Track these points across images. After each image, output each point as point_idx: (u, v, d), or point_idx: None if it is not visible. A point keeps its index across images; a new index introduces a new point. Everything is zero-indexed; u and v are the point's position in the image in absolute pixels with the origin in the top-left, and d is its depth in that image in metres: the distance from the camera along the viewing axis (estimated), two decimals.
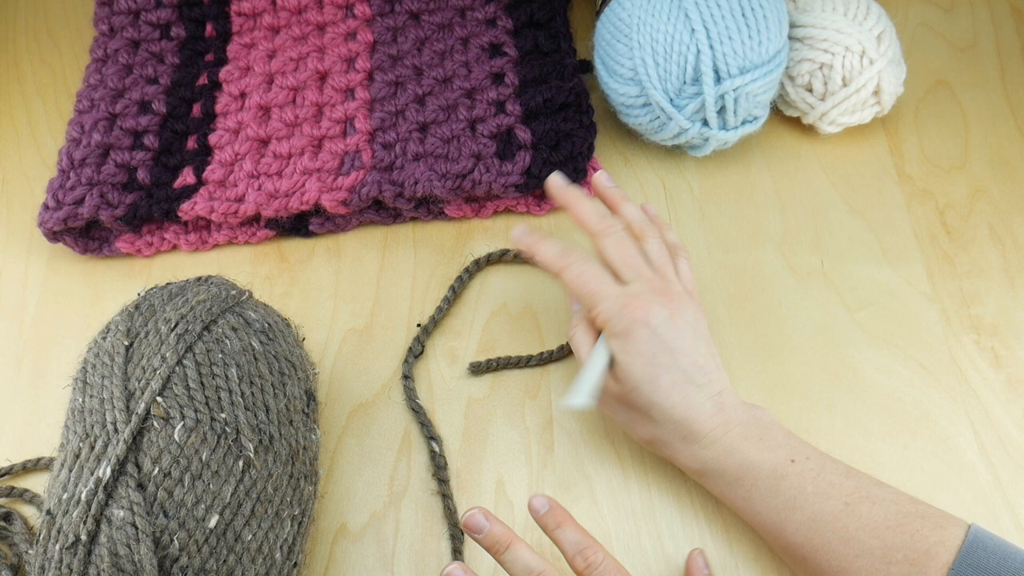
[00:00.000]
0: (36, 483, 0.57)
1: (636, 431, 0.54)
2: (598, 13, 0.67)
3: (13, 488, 0.56)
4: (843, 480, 0.49)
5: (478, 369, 0.60)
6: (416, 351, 0.61)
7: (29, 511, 0.56)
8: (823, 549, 0.48)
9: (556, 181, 0.58)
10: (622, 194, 0.58)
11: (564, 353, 0.60)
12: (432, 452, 0.57)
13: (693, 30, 0.60)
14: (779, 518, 0.50)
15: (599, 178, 0.59)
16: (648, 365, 0.51)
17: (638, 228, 0.56)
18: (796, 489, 0.49)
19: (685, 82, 0.61)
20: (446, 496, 0.55)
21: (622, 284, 0.54)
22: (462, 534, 0.54)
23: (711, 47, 0.60)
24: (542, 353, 0.60)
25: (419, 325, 0.62)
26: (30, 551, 0.52)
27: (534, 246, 0.56)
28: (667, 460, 0.55)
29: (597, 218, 0.56)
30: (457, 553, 0.54)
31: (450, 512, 0.55)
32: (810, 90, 0.66)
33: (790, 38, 0.65)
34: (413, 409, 0.59)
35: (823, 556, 0.48)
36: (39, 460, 0.57)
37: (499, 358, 0.60)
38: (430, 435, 0.57)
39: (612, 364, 0.53)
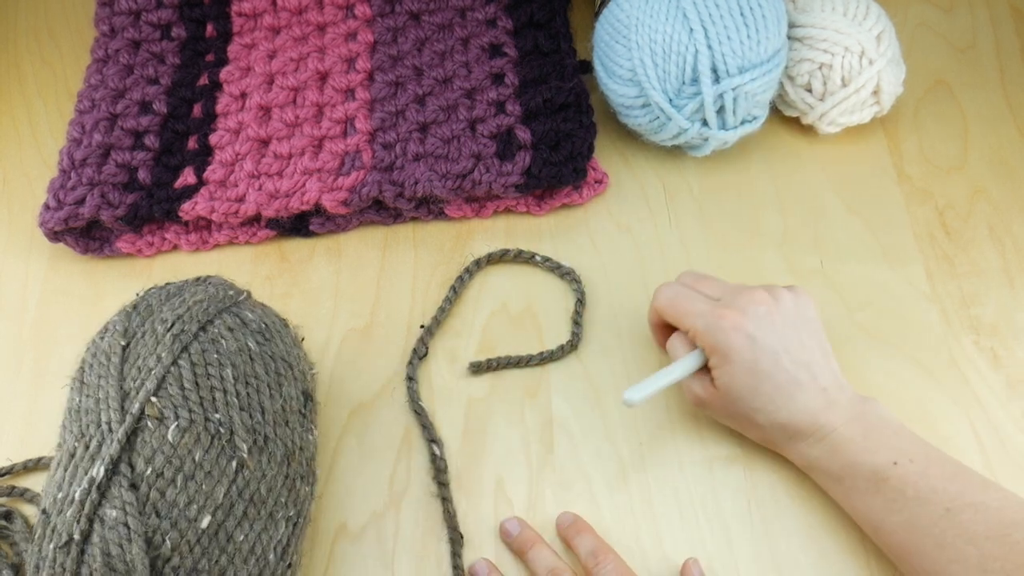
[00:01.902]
0: (36, 482, 0.57)
1: (742, 430, 0.55)
2: (597, 14, 0.67)
3: (14, 487, 0.57)
4: (946, 485, 0.48)
5: (478, 369, 0.60)
6: (421, 352, 0.61)
7: (30, 510, 0.56)
8: (918, 552, 0.48)
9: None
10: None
11: (564, 353, 0.60)
12: (433, 455, 0.57)
13: (691, 30, 0.60)
14: (877, 518, 0.50)
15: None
16: (748, 375, 0.51)
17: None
18: (896, 492, 0.48)
19: (684, 82, 0.61)
20: (446, 499, 0.55)
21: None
22: (461, 538, 0.54)
23: (709, 47, 0.60)
24: (542, 353, 0.60)
25: (422, 326, 0.62)
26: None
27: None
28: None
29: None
30: (456, 556, 0.54)
31: (450, 516, 0.55)
32: (809, 90, 0.66)
33: (789, 38, 0.65)
34: (416, 411, 0.59)
35: (918, 559, 0.48)
36: (39, 459, 0.57)
37: (499, 358, 0.60)
38: (431, 438, 0.57)
39: (711, 378, 0.53)
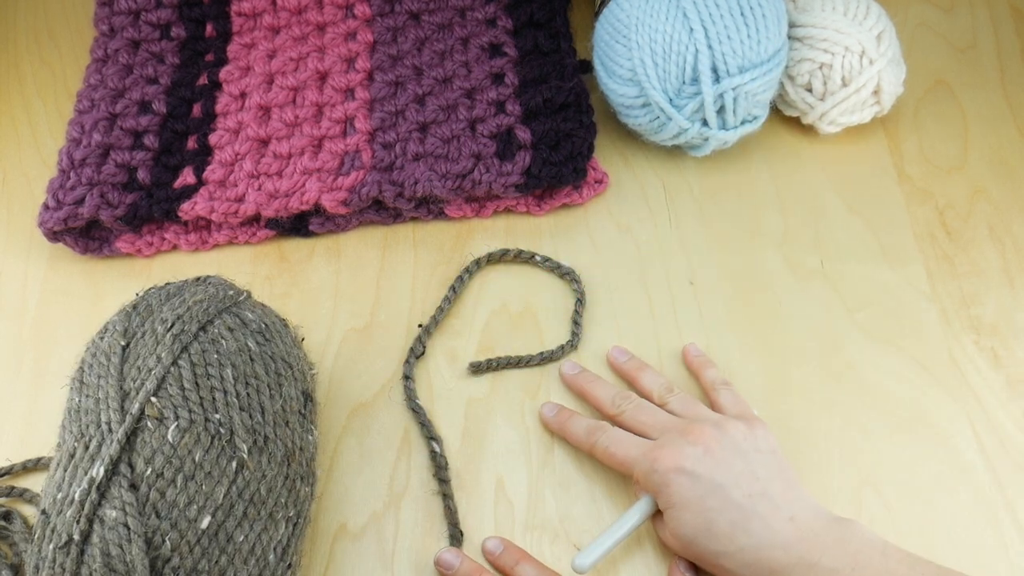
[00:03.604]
0: (36, 483, 0.57)
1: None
2: (597, 14, 0.67)
3: (13, 488, 0.57)
4: None
5: (478, 369, 0.60)
6: (418, 352, 0.60)
7: (29, 511, 0.56)
8: None
9: (567, 370, 0.58)
10: (638, 363, 0.58)
11: (564, 353, 0.60)
12: (432, 452, 0.57)
13: (691, 30, 0.60)
14: None
15: (613, 354, 0.59)
16: (697, 515, 0.48)
17: (657, 396, 0.55)
18: None
19: (684, 82, 0.61)
20: (447, 496, 0.55)
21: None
22: (461, 535, 0.54)
23: (709, 47, 0.60)
24: (542, 353, 0.60)
25: (420, 325, 0.62)
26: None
27: (562, 428, 0.56)
28: None
29: (609, 402, 0.55)
30: None
31: (450, 512, 0.55)
32: (810, 90, 0.66)
33: (790, 38, 0.65)
34: (413, 410, 0.59)
35: None
36: (39, 460, 0.57)
37: (499, 358, 0.60)
38: (430, 435, 0.57)
39: (664, 525, 0.50)
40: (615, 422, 0.55)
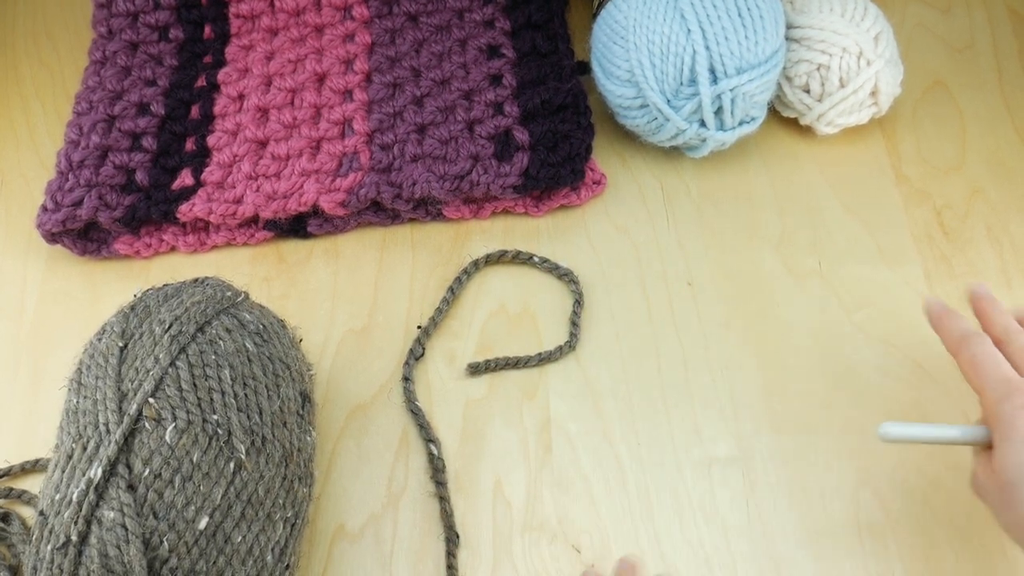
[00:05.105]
0: (34, 484, 0.57)
1: (1018, 537, 0.47)
2: (595, 15, 0.67)
3: (11, 489, 0.57)
4: None
5: (476, 370, 0.60)
6: (417, 353, 0.61)
7: (27, 512, 0.56)
8: None
9: (933, 307, 0.55)
10: None
11: (562, 353, 0.60)
12: (430, 454, 0.57)
13: (689, 31, 0.60)
14: None
15: (976, 292, 0.55)
16: None
17: None
18: None
19: (682, 83, 0.61)
20: (444, 499, 0.55)
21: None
22: (457, 537, 0.54)
23: (707, 47, 0.60)
24: (540, 354, 0.60)
25: (419, 327, 0.62)
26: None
27: (939, 321, 0.54)
28: None
29: (1002, 328, 0.52)
30: (451, 556, 0.54)
31: (447, 515, 0.55)
32: (807, 91, 0.66)
33: (787, 39, 0.65)
34: (412, 411, 0.59)
35: None
36: (37, 461, 0.57)
37: (497, 359, 0.60)
38: (429, 437, 0.57)
39: (986, 463, 0.48)
40: (1002, 346, 0.51)
